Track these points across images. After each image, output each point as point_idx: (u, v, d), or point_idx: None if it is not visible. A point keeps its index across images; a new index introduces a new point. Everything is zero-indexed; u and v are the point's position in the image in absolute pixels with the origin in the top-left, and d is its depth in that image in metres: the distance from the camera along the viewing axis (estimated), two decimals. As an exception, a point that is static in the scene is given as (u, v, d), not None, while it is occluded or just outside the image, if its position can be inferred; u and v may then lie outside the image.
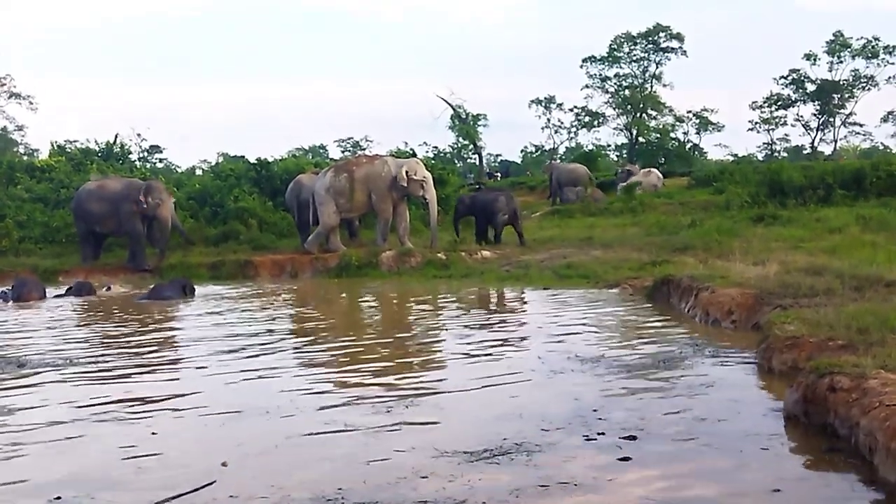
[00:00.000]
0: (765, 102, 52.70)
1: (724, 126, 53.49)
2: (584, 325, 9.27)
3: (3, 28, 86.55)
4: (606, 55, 51.13)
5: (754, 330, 7.87)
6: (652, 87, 51.43)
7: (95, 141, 31.29)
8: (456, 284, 14.57)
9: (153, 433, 5.34)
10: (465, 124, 48.96)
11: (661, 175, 28.92)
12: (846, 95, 50.97)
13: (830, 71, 50.42)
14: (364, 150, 58.89)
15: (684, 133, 53.99)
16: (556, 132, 57.05)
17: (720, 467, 4.34)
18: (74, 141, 32.95)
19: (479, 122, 50.67)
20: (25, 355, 8.27)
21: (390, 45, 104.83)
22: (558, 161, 41.91)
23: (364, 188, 17.92)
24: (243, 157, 31.09)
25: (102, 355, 8.35)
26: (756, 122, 53.58)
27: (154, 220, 18.41)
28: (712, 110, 52.92)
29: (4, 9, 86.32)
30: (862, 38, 48.90)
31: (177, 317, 11.63)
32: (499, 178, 40.05)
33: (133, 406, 6.09)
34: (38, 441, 5.22)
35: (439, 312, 11.22)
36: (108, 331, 10.24)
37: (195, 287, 14.24)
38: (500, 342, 8.60)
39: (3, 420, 5.79)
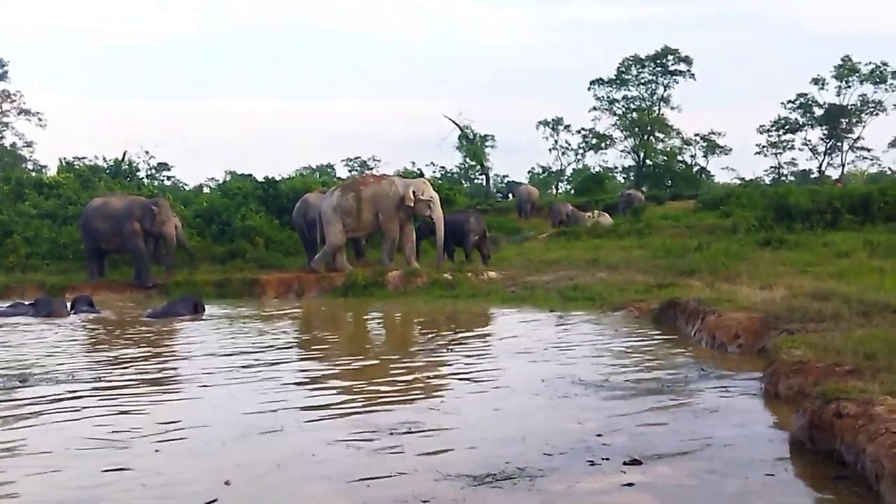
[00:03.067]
0: (772, 126, 52.96)
1: (731, 149, 53.84)
2: (588, 347, 9.23)
3: (13, 44, 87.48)
4: (614, 77, 51.43)
5: (760, 354, 7.83)
6: (660, 109, 51.66)
7: (104, 158, 31.50)
8: (462, 305, 14.55)
9: (156, 450, 5.34)
10: (473, 145, 49.19)
11: (611, 220, 28.52)
12: (854, 120, 51.16)
13: (838, 95, 50.72)
14: (371, 169, 59.22)
15: (691, 156, 54.23)
16: (563, 154, 57.39)
17: (725, 493, 4.30)
18: (83, 158, 33.07)
19: (487, 143, 51.01)
20: (29, 372, 8.28)
21: (399, 66, 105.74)
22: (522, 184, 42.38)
23: (371, 208, 17.96)
24: (251, 175, 31.19)
25: (106, 371, 8.36)
26: (763, 146, 53.83)
27: (160, 238, 18.46)
28: (720, 133, 53.19)
29: (14, 25, 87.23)
30: (870, 63, 49.25)
31: (184, 334, 11.64)
32: (501, 199, 40.25)
33: (137, 422, 6.08)
34: (40, 458, 5.20)
35: (443, 333, 11.19)
36: (114, 347, 10.23)
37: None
38: (503, 364, 8.56)
39: (2, 436, 5.78)
